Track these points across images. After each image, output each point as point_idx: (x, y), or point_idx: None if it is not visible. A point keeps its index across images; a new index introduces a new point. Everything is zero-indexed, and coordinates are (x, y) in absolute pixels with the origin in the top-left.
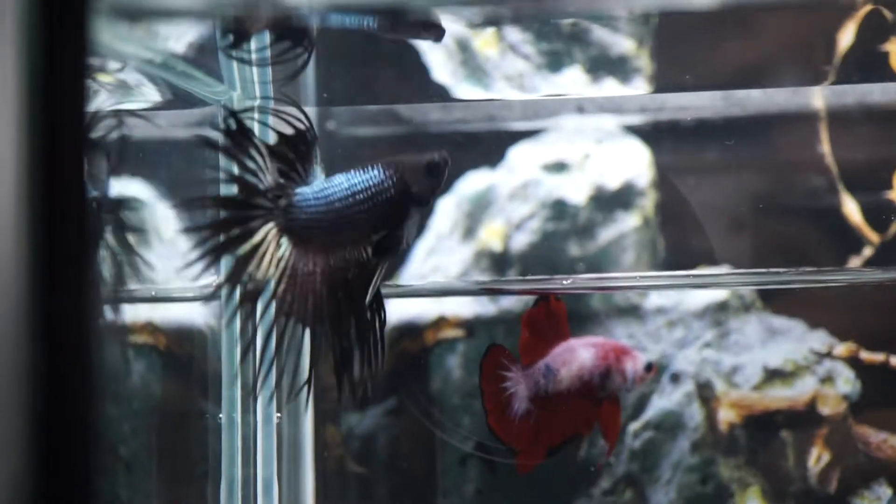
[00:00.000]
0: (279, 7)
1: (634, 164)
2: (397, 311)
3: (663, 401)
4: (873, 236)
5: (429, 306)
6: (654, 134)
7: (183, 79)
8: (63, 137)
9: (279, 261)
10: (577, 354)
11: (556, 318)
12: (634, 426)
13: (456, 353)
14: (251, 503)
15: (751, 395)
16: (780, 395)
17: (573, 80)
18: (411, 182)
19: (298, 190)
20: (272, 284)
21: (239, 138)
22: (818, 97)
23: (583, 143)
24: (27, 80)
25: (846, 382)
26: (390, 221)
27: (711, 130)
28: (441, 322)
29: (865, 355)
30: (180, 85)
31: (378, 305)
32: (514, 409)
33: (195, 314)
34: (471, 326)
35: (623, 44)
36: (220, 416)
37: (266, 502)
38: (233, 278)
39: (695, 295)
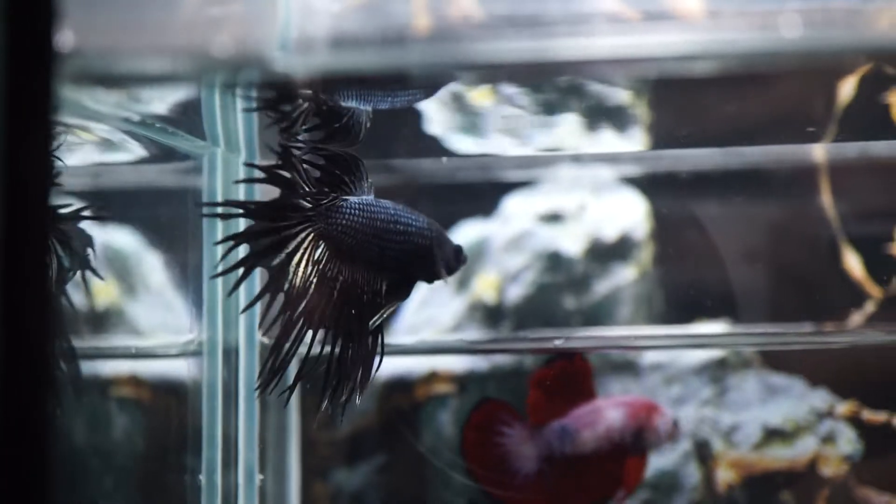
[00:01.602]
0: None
1: (631, 215)
2: (389, 365)
3: (660, 460)
4: (875, 291)
5: (420, 361)
6: (652, 185)
7: (165, 136)
8: (27, 189)
9: (315, 264)
10: (605, 415)
11: (578, 377)
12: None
13: (448, 409)
14: None
15: (750, 455)
16: (781, 455)
17: (569, 131)
18: (442, 249)
19: (345, 197)
20: (299, 283)
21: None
22: (819, 149)
23: (579, 194)
24: None
25: (848, 443)
26: (411, 268)
27: (710, 182)
28: (433, 377)
29: (868, 415)
30: (162, 141)
31: (376, 337)
32: (515, 468)
33: (178, 368)
34: (463, 382)
35: (620, 96)
36: (200, 477)
37: None
38: (275, 281)
39: (693, 351)
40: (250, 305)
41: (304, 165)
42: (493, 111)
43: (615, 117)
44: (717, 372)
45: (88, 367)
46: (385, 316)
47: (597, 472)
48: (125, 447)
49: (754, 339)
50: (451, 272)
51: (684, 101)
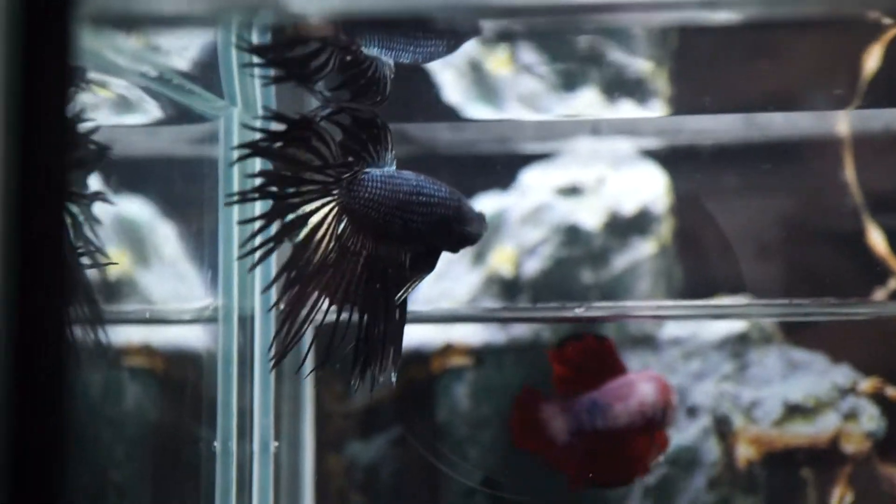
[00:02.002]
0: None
1: (651, 189)
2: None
3: (679, 435)
4: None
5: (436, 333)
6: (672, 158)
7: (182, 94)
8: (43, 148)
9: (337, 239)
10: (638, 389)
11: (604, 353)
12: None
13: (463, 382)
14: None
15: (770, 432)
16: (801, 432)
17: (588, 102)
18: (465, 216)
19: (367, 169)
20: (318, 259)
21: (303, 120)
22: (843, 122)
23: (598, 167)
24: (6, 87)
25: (871, 419)
26: (434, 239)
27: (731, 155)
28: (448, 350)
29: (891, 391)
30: (179, 100)
31: (402, 311)
32: (553, 439)
33: (193, 336)
34: (479, 355)
35: (640, 65)
36: (215, 444)
37: None
38: (296, 258)
39: (713, 326)
40: (271, 285)
41: (327, 127)
42: (512, 81)
43: (635, 89)
44: (738, 347)
45: (102, 335)
46: (410, 289)
47: (627, 447)
48: (137, 417)
49: (775, 312)
50: (474, 240)
51: (705, 71)
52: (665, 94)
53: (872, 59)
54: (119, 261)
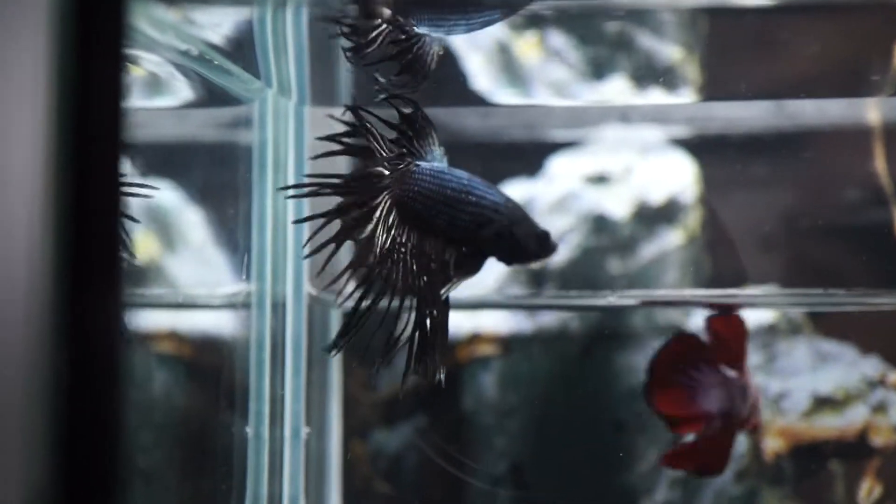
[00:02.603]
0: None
1: (680, 178)
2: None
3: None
4: None
5: (463, 321)
6: (702, 147)
7: (217, 73)
8: (97, 132)
9: (389, 230)
10: (752, 386)
11: (738, 335)
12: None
13: (490, 371)
14: None
15: (798, 423)
16: (830, 424)
17: (618, 89)
18: (522, 232)
19: (417, 162)
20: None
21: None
22: (873, 111)
23: (626, 155)
24: (59, 70)
25: None
26: (482, 244)
27: (761, 144)
28: (475, 339)
29: None
30: (214, 80)
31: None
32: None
33: (221, 323)
34: (507, 344)
35: (670, 51)
36: (247, 429)
37: None
38: (361, 256)
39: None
40: (337, 278)
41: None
42: (540, 67)
43: (665, 76)
44: (766, 338)
45: (132, 321)
46: (451, 290)
47: (730, 438)
48: (165, 403)
49: (803, 301)
50: (531, 258)
51: (736, 57)
52: (695, 80)
53: None
54: (148, 247)
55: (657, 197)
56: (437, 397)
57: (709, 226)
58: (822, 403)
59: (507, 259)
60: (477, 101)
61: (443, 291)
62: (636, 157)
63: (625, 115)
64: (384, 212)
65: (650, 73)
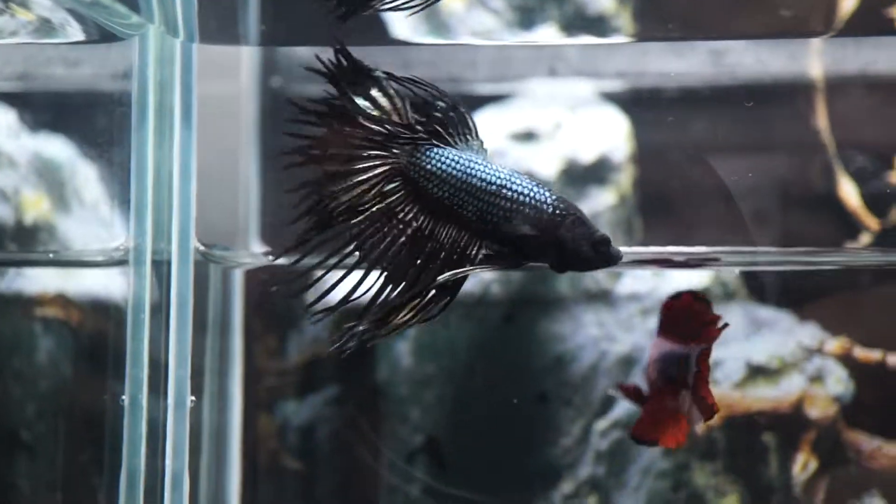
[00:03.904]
0: None
1: (611, 135)
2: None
3: None
4: (872, 222)
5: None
6: (634, 102)
7: (91, 8)
8: None
9: (383, 196)
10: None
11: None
12: (601, 425)
13: (406, 339)
14: (157, 498)
15: (731, 394)
16: (764, 395)
17: (546, 40)
18: (572, 236)
19: (440, 146)
20: (353, 208)
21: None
22: (816, 66)
23: (555, 111)
24: None
25: (837, 382)
26: (521, 243)
27: (697, 100)
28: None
29: (860, 352)
30: (89, 16)
31: (442, 295)
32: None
33: (112, 286)
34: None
35: (602, 3)
36: (123, 398)
37: (175, 498)
38: (333, 192)
39: (671, 281)
40: (296, 220)
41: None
42: (465, 16)
43: (596, 27)
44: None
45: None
46: (458, 276)
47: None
48: (51, 372)
49: (741, 261)
50: (584, 265)
51: (671, 6)
52: (628, 30)
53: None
54: (37, 205)
55: (587, 155)
56: (350, 367)
57: (641, 185)
58: (757, 373)
59: (556, 265)
60: (396, 51)
61: (448, 275)
62: (565, 113)
63: (553, 69)
64: (381, 177)
65: (580, 22)
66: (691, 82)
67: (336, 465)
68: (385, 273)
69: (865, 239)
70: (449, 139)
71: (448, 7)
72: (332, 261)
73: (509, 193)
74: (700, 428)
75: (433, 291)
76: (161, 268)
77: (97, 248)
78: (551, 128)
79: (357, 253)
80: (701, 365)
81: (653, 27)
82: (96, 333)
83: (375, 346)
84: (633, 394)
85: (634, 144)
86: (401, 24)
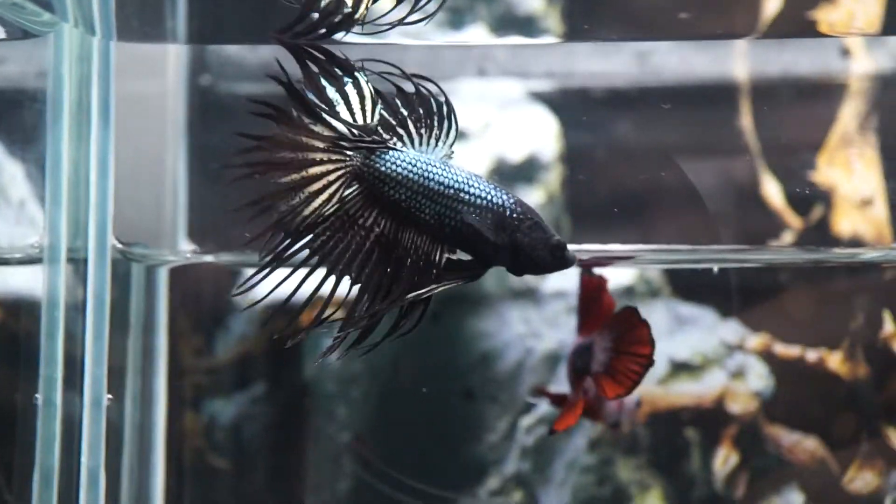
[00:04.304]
0: None
1: (540, 134)
2: (271, 286)
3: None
4: (795, 221)
5: (306, 283)
6: (563, 102)
7: (4, 6)
8: None
9: (343, 202)
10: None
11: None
12: (526, 421)
13: (332, 337)
14: (73, 498)
15: (654, 390)
16: (687, 391)
17: (476, 40)
18: (528, 240)
19: (399, 148)
20: (316, 219)
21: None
22: (740, 66)
23: (484, 110)
24: None
25: (758, 378)
26: (480, 247)
27: (624, 99)
28: (318, 302)
29: (780, 349)
30: (2, 13)
31: (414, 311)
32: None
33: (36, 284)
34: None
35: (531, 4)
36: (37, 395)
37: (91, 497)
38: (276, 196)
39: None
40: (238, 208)
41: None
42: (393, 15)
43: (525, 27)
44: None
45: None
46: (435, 291)
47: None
48: None
49: (665, 259)
50: (539, 269)
51: (598, 7)
52: (556, 31)
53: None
54: None
55: (516, 154)
56: (277, 365)
57: (569, 184)
58: (680, 369)
59: (513, 268)
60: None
61: (420, 293)
62: (494, 112)
63: (482, 69)
64: (338, 181)
65: (510, 22)
66: (618, 83)
67: (263, 463)
68: (356, 283)
69: (788, 238)
70: (414, 140)
71: (378, 7)
72: (299, 272)
73: (467, 197)
74: (627, 425)
75: (406, 305)
76: (80, 266)
77: (19, 246)
78: (480, 127)
79: (323, 263)
80: (603, 355)
81: (581, 28)
82: (16, 332)
83: (302, 344)
84: (551, 397)
85: (563, 144)
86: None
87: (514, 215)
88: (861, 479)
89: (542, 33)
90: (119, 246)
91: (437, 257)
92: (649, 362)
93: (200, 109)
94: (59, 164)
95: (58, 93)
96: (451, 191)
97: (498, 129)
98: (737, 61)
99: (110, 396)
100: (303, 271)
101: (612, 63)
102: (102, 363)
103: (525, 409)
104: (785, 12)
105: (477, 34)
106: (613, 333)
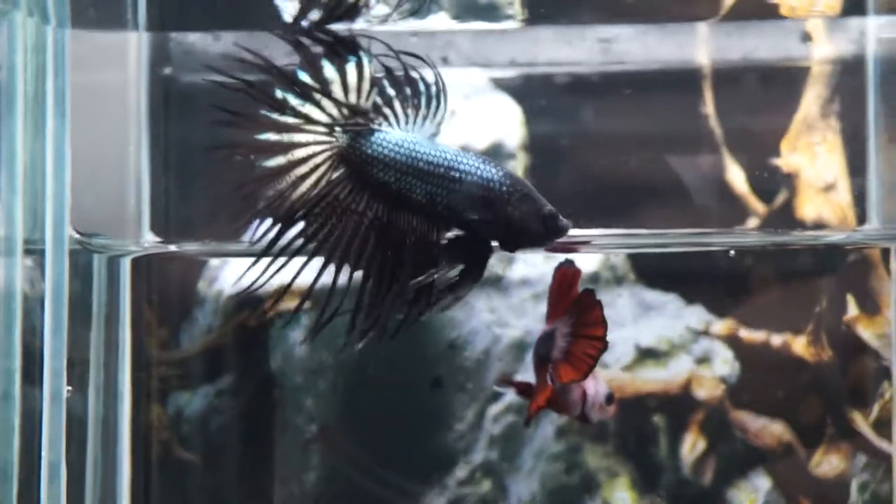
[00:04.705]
0: None
1: (504, 122)
2: (237, 277)
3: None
4: (759, 207)
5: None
6: (526, 89)
7: None
8: None
9: (331, 185)
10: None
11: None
12: (494, 410)
13: (299, 328)
14: (34, 491)
15: (621, 376)
16: (653, 377)
17: (439, 27)
18: (520, 212)
19: (384, 128)
20: (305, 205)
21: (310, 55)
22: (703, 52)
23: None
24: None
25: (724, 363)
26: (475, 224)
27: (588, 86)
28: (283, 291)
29: (745, 334)
30: None
31: (426, 296)
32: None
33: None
34: (317, 297)
35: None
36: None
37: (52, 489)
38: (260, 181)
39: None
40: (224, 196)
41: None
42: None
43: (488, 14)
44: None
45: None
46: (438, 276)
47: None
48: None
49: (630, 243)
50: (535, 241)
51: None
52: (519, 16)
53: None
54: None
55: (481, 142)
56: (244, 357)
57: (533, 171)
58: (646, 355)
59: (507, 243)
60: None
61: (422, 278)
62: (459, 100)
63: (446, 57)
64: (324, 163)
65: (471, 9)
66: (581, 70)
67: (231, 456)
68: (357, 269)
69: (753, 223)
70: (398, 120)
71: None
72: (299, 263)
73: (457, 175)
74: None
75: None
76: (39, 258)
77: None
78: (445, 116)
79: (320, 252)
80: (563, 341)
81: (535, 15)
82: None
83: (269, 336)
84: (517, 386)
85: (527, 132)
86: (288, 11)
87: (504, 188)
88: (827, 463)
89: (504, 20)
90: (77, 237)
91: (435, 236)
92: (603, 345)
93: (163, 99)
94: (14, 155)
95: (11, 83)
96: (441, 169)
97: (462, 117)
98: (699, 47)
99: (69, 388)
100: (299, 259)
101: (575, 50)
102: (61, 356)
103: (493, 397)
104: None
105: (440, 21)
106: (572, 318)
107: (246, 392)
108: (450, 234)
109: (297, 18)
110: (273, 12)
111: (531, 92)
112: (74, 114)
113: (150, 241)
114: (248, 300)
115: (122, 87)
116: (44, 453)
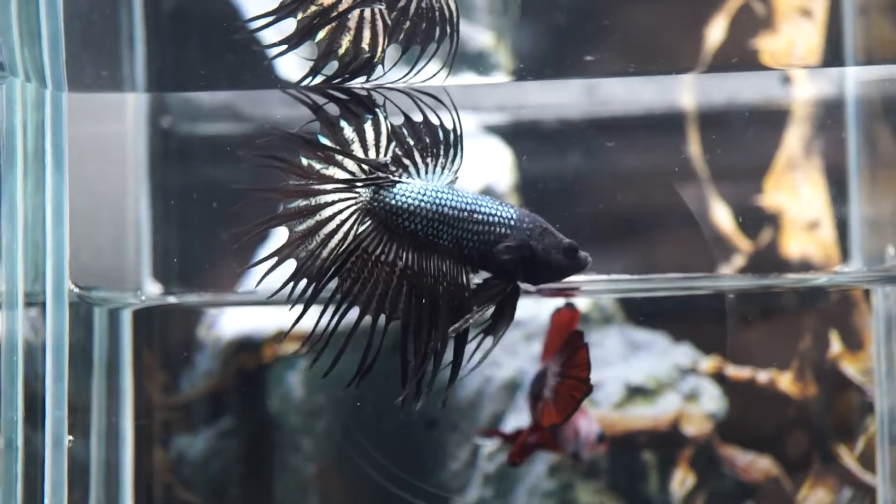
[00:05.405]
0: None
1: (495, 165)
2: (235, 322)
3: (519, 420)
4: (744, 244)
5: (268, 318)
6: (516, 133)
7: None
8: None
9: (358, 239)
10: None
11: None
12: (488, 448)
13: (297, 370)
14: None
15: (611, 414)
16: (643, 414)
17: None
18: (543, 247)
19: (405, 180)
20: (334, 259)
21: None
22: (687, 94)
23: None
24: None
25: (711, 400)
26: (499, 265)
27: (574, 130)
28: (280, 336)
29: (731, 370)
30: None
31: (460, 343)
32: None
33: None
34: (313, 341)
35: (481, 39)
36: None
37: None
38: (291, 245)
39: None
40: (255, 264)
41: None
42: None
43: (476, 63)
44: (578, 330)
45: None
46: (472, 320)
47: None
48: None
49: (618, 288)
50: (559, 274)
51: (547, 43)
52: (507, 66)
53: (717, 29)
54: None
55: (472, 185)
56: (243, 399)
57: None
58: (635, 393)
59: (532, 278)
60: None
61: (458, 325)
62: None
63: (436, 102)
64: (349, 218)
65: (461, 58)
66: (567, 114)
67: (231, 496)
68: (393, 320)
69: (739, 260)
70: (417, 170)
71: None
72: (334, 320)
73: (480, 217)
74: (587, 455)
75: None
76: (40, 309)
77: None
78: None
79: (356, 305)
80: (553, 380)
81: (530, 64)
82: None
83: (267, 379)
84: (503, 437)
85: (517, 175)
86: (287, 64)
87: (524, 225)
88: (814, 497)
89: (492, 69)
90: (77, 291)
91: (465, 280)
92: (588, 388)
93: (162, 151)
94: (15, 211)
95: (10, 143)
96: (465, 213)
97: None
98: (683, 91)
99: (71, 438)
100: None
101: (561, 95)
102: (63, 405)
103: (486, 435)
104: (728, 43)
105: (428, 69)
106: (562, 358)
107: (245, 434)
108: (476, 280)
109: (309, 75)
110: (269, 70)
111: (520, 136)
112: (74, 167)
113: (150, 291)
114: (245, 344)
115: (122, 139)
116: (47, 500)
